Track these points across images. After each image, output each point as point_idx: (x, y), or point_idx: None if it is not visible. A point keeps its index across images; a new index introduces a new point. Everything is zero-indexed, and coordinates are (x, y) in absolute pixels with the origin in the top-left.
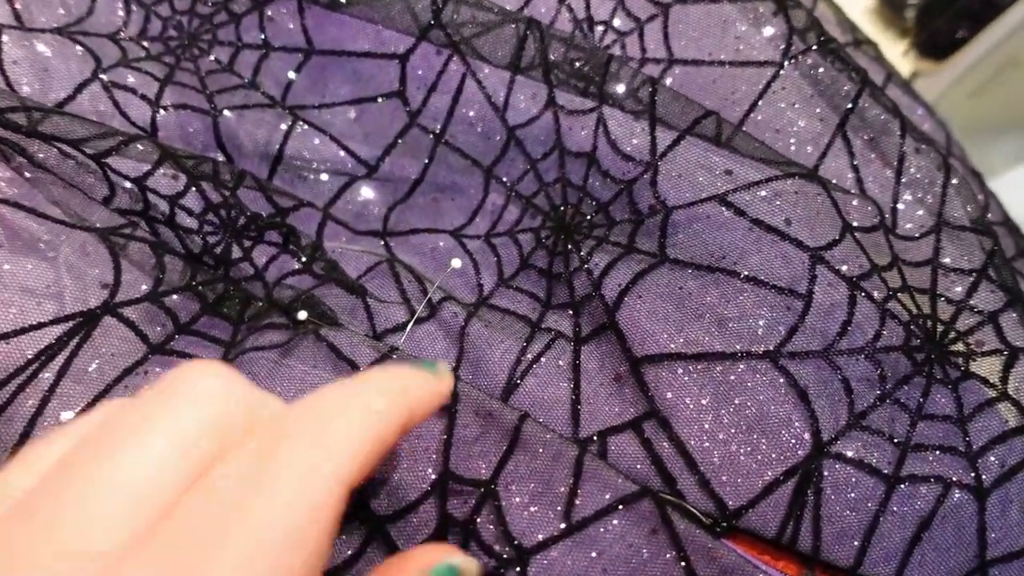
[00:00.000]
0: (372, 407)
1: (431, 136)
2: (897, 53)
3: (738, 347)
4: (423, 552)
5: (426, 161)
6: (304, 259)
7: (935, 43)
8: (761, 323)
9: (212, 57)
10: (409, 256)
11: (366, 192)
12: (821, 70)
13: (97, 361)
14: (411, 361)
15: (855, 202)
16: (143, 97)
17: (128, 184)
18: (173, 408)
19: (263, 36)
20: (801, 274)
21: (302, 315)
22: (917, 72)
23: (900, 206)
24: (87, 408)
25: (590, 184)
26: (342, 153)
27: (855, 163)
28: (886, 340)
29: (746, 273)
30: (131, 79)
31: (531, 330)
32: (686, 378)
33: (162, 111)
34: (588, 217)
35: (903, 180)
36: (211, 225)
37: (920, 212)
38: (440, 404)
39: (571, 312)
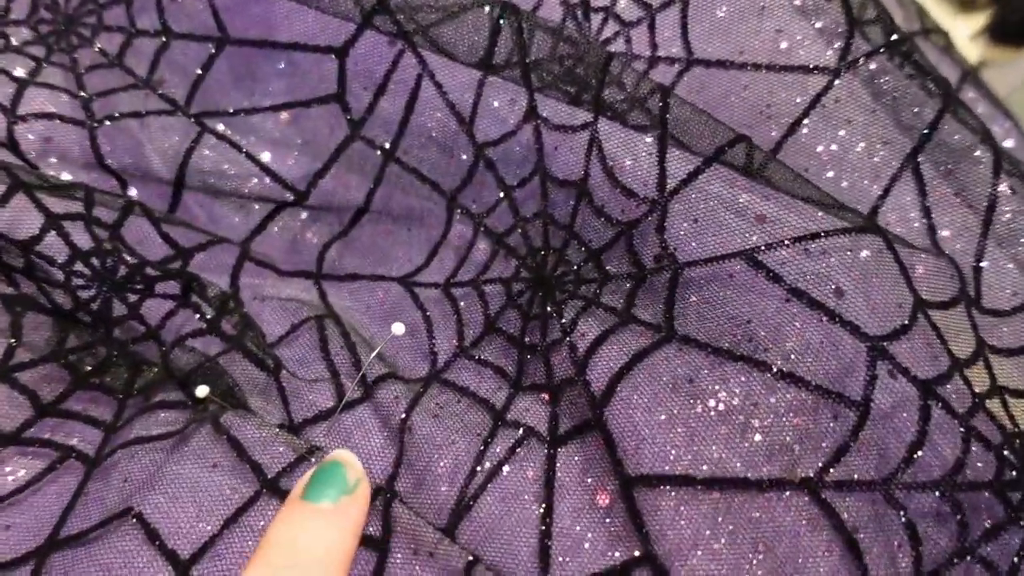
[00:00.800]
0: None
1: (379, 152)
2: (963, 36)
3: (766, 471)
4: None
5: (372, 184)
6: (210, 316)
7: (1014, 26)
8: (798, 437)
9: (96, 47)
10: (349, 302)
11: (303, 217)
12: (888, 78)
13: None
14: (311, 477)
15: (925, 258)
16: None
17: None
18: None
19: (162, 20)
20: (855, 371)
21: (202, 391)
22: (985, 61)
23: (985, 264)
24: None
25: (579, 223)
26: (267, 178)
27: (927, 203)
28: (970, 472)
29: (779, 365)
30: None
31: (493, 423)
32: (694, 511)
33: (22, 123)
34: (575, 267)
35: (992, 229)
36: (81, 277)
37: (1015, 276)
38: (363, 524)
39: (547, 398)
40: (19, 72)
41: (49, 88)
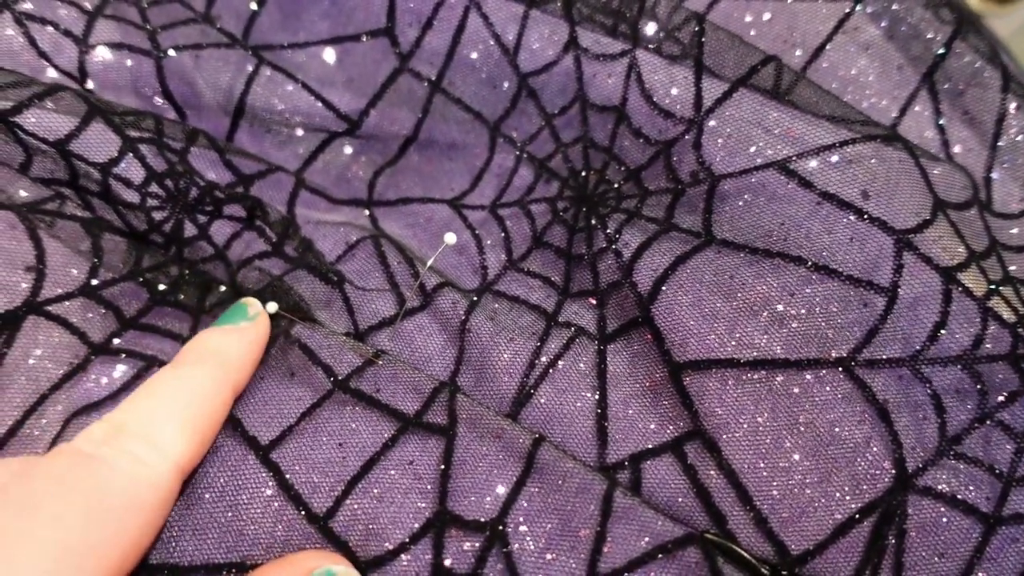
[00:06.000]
0: (194, 386)
1: (426, 84)
2: None
3: (803, 352)
4: (305, 556)
5: (420, 115)
6: (274, 238)
7: None
8: (832, 323)
9: None
10: (400, 229)
11: (348, 152)
12: (903, 6)
13: (25, 371)
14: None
15: (937, 170)
16: (67, 34)
17: (47, 148)
18: None
19: None
20: (883, 262)
21: (271, 307)
22: (980, 13)
23: (994, 175)
24: (22, 420)
25: (618, 145)
26: (319, 104)
27: (940, 122)
28: (989, 347)
29: (813, 260)
30: (52, 11)
31: (546, 324)
32: (739, 390)
33: (93, 52)
34: (615, 185)
35: (999, 144)
36: (156, 199)
37: (1020, 185)
38: (260, 353)
39: (594, 302)
40: (87, 5)
41: (116, 20)
